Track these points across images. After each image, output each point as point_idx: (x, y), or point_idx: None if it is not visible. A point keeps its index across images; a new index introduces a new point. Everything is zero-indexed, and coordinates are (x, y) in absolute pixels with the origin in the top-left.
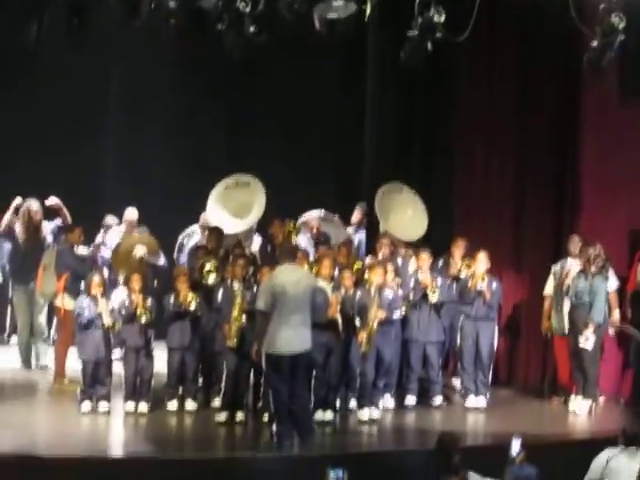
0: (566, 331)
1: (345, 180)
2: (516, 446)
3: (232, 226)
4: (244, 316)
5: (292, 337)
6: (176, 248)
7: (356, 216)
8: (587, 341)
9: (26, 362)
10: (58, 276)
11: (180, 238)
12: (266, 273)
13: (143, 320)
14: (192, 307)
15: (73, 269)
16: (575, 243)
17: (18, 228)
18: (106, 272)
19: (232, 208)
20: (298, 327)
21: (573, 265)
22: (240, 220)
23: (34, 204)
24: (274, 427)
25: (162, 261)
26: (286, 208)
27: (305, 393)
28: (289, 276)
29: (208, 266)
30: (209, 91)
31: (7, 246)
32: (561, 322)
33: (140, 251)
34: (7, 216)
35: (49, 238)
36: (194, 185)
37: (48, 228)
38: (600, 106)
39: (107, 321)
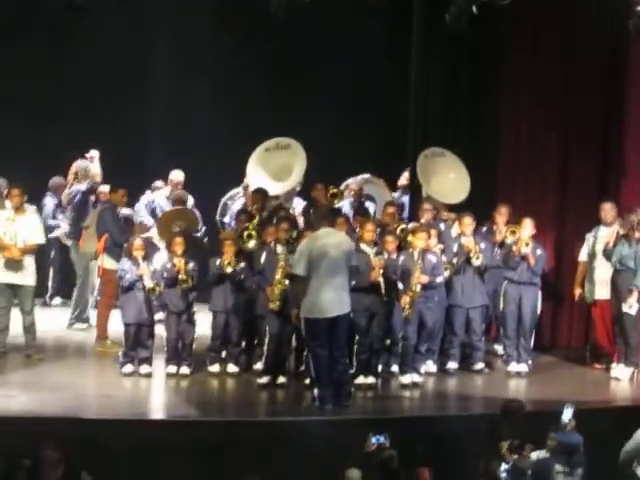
0: (595, 298)
1: (391, 145)
2: (568, 414)
3: (272, 188)
4: (287, 279)
5: (330, 301)
6: (219, 211)
7: (402, 180)
8: (631, 308)
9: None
10: (99, 236)
11: (223, 200)
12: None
13: (185, 285)
14: (228, 270)
15: (114, 230)
16: (607, 210)
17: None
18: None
19: (272, 170)
20: (336, 291)
21: (605, 232)
22: (280, 182)
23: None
24: (315, 391)
25: (202, 231)
26: (330, 172)
27: (344, 357)
28: (326, 240)
29: (249, 231)
30: (254, 54)
31: (52, 203)
32: (592, 289)
33: (179, 226)
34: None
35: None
36: (238, 148)
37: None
38: None
39: (148, 284)
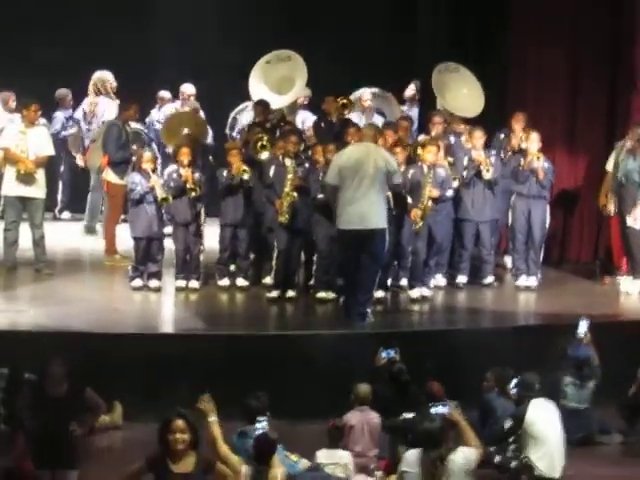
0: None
1: (399, 59)
2: (583, 327)
3: (275, 101)
4: (295, 192)
5: (356, 214)
6: (228, 124)
7: (409, 92)
8: (635, 221)
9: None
10: (104, 152)
11: (232, 114)
12: (320, 151)
13: (193, 194)
14: (246, 177)
15: (111, 148)
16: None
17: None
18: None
19: (274, 83)
20: (365, 204)
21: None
22: (283, 95)
23: (108, 74)
24: (341, 300)
25: (210, 139)
26: (339, 86)
27: (372, 265)
28: (359, 153)
29: (262, 141)
30: None
31: (61, 116)
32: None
33: (187, 129)
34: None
35: (58, 126)
36: (248, 61)
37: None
38: None
39: (160, 193)
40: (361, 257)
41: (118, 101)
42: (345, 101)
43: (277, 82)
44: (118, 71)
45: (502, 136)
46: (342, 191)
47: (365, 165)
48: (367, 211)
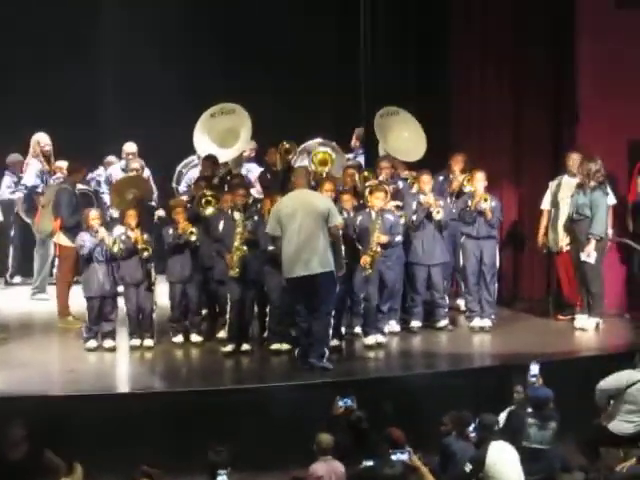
0: (561, 246)
1: (341, 108)
2: (535, 370)
3: (221, 155)
4: (245, 246)
5: (298, 260)
6: (174, 178)
7: (355, 140)
8: (589, 256)
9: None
10: (55, 216)
11: (179, 168)
12: (268, 202)
13: (145, 254)
14: (192, 238)
15: (66, 214)
16: (573, 160)
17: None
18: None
19: (219, 136)
20: (307, 250)
21: (570, 182)
22: (228, 148)
23: (44, 136)
24: (296, 351)
25: (155, 200)
26: (284, 138)
27: (320, 316)
28: (299, 199)
29: (206, 197)
30: (206, 21)
31: (8, 181)
32: (556, 238)
33: (132, 193)
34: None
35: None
36: (192, 115)
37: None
38: (595, 10)
39: (108, 241)
40: (311, 304)
41: (64, 162)
42: (287, 146)
43: (221, 135)
44: (57, 132)
45: (441, 178)
46: (284, 240)
47: (302, 211)
48: (310, 256)
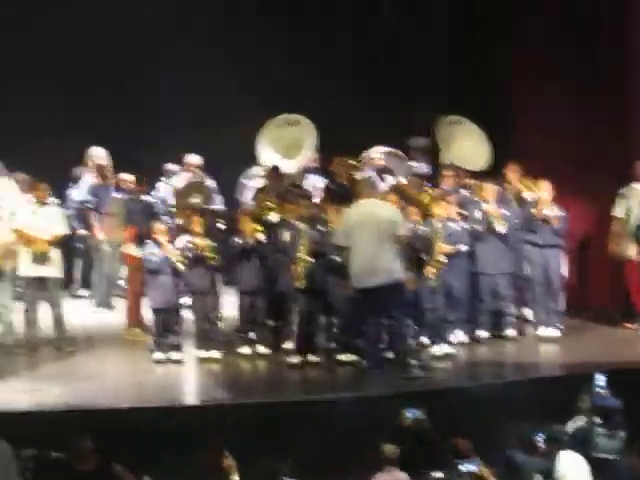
0: (628, 254)
1: (404, 114)
2: (600, 380)
3: (285, 165)
4: (310, 257)
5: (368, 270)
6: (237, 189)
7: (417, 148)
8: None
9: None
10: (125, 226)
11: (240, 179)
12: (333, 212)
13: (212, 262)
14: (260, 236)
15: (140, 222)
16: None
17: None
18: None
19: (283, 147)
20: (377, 260)
21: (638, 190)
22: (292, 159)
23: (98, 150)
24: (364, 362)
25: (220, 205)
26: (348, 148)
27: (399, 326)
28: (366, 209)
29: (269, 204)
30: (270, 27)
31: (73, 194)
32: (627, 246)
33: (195, 199)
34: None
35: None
36: (256, 126)
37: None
38: None
39: (176, 259)
40: (381, 314)
41: (129, 175)
42: (354, 163)
43: (286, 146)
44: (121, 145)
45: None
46: (353, 250)
47: (369, 221)
48: (379, 266)
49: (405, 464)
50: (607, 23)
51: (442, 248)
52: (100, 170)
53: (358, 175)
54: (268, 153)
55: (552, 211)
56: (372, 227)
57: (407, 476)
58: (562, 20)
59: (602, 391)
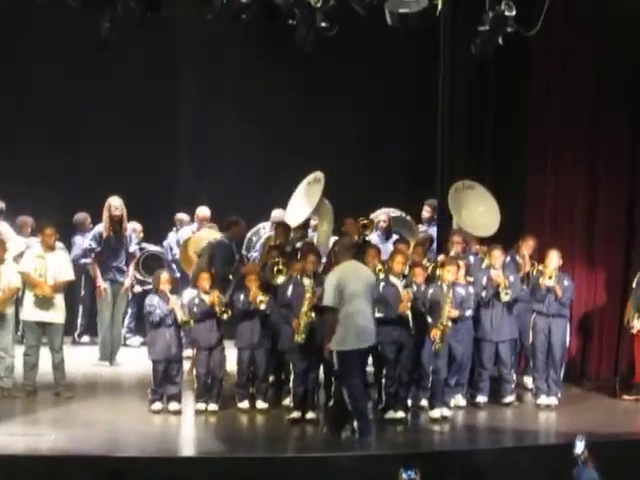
0: (631, 325)
1: (416, 179)
2: (580, 446)
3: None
4: (313, 312)
5: (361, 331)
6: (244, 245)
7: (426, 213)
8: None
9: (106, 357)
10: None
11: (249, 235)
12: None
13: (225, 317)
14: (262, 307)
15: (228, 262)
16: None
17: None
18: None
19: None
20: (365, 321)
21: None
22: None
23: (116, 200)
24: (355, 423)
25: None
26: (357, 207)
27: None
28: (350, 271)
29: (278, 266)
30: (283, 81)
31: (80, 241)
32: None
33: (203, 255)
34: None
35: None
36: (263, 183)
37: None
38: None
39: (180, 315)
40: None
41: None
42: (366, 222)
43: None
44: (134, 194)
45: (508, 259)
46: (351, 311)
47: (362, 283)
48: (373, 327)
49: None
50: None
51: (449, 312)
52: (115, 219)
53: (369, 234)
54: (303, 210)
55: (559, 281)
56: (367, 288)
57: None
58: (577, 87)
59: (581, 457)
